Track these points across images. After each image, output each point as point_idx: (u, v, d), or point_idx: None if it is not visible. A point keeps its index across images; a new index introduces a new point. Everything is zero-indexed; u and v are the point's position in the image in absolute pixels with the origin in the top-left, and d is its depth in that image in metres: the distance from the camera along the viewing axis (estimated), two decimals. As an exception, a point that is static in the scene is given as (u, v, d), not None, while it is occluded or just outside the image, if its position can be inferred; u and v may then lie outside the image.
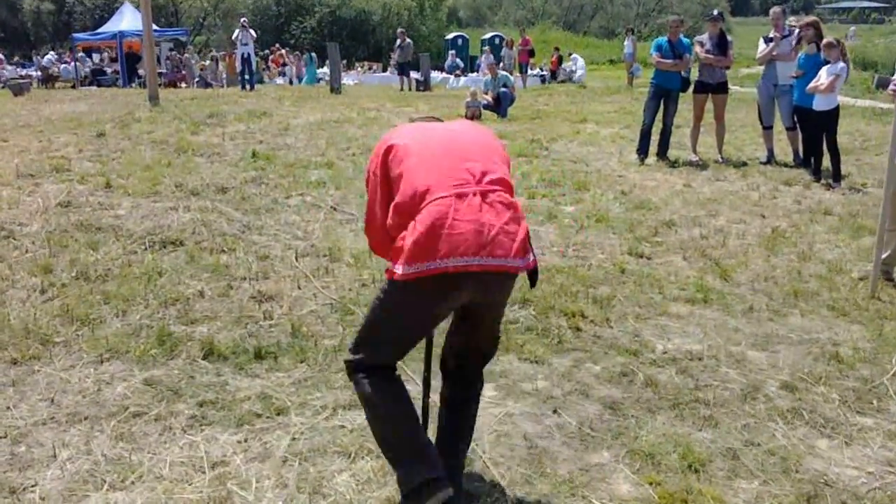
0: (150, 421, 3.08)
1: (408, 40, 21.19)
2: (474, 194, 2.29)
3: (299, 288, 4.52)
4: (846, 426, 3.18)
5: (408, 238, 2.24)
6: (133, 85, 22.01)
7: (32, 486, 2.66)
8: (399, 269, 2.24)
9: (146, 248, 5.07)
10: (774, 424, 3.17)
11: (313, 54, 25.07)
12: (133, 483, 2.68)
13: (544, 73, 25.36)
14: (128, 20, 23.93)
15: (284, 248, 5.21)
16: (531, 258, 2.37)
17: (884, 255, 4.84)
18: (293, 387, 3.38)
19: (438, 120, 2.73)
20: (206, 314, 4.10)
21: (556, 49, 27.01)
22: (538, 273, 2.52)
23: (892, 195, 4.80)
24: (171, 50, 26.26)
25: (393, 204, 2.33)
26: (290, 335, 3.88)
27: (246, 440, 2.95)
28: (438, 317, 2.45)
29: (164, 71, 22.66)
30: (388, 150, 2.39)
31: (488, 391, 3.37)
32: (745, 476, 2.81)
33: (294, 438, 2.96)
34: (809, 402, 3.36)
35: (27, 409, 3.16)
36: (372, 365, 2.43)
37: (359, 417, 3.10)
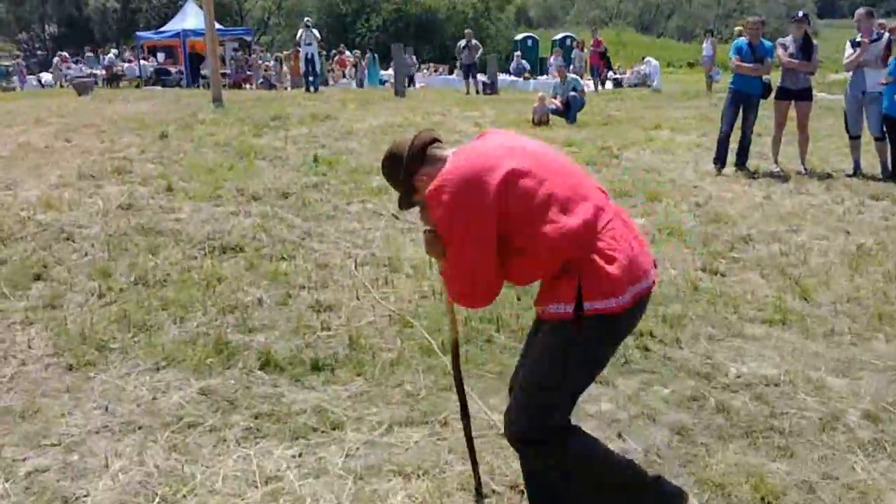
0: (205, 432, 3.08)
1: (474, 41, 21.00)
2: (616, 213, 2.23)
3: (358, 298, 4.48)
4: None
5: (604, 266, 2.07)
6: (197, 85, 22.38)
7: (84, 496, 2.67)
8: (613, 302, 2.07)
9: (206, 254, 5.11)
10: (854, 457, 3.02)
11: (375, 55, 25.11)
12: (185, 496, 2.67)
13: (618, 76, 24.63)
14: (191, 19, 24.31)
15: (344, 256, 5.19)
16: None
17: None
18: (349, 401, 3.34)
19: (438, 139, 2.38)
20: (263, 323, 4.10)
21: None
22: None
23: None
24: (234, 50, 26.64)
25: (560, 235, 2.05)
26: (348, 347, 3.85)
27: (301, 455, 2.93)
28: None
29: (228, 71, 22.98)
30: (511, 176, 2.07)
31: None
32: None
33: (349, 455, 2.93)
34: (892, 434, 3.19)
35: (81, 417, 3.19)
36: (565, 426, 2.27)
37: (415, 434, 3.07)
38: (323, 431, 3.09)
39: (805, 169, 8.43)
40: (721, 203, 6.95)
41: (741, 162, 8.43)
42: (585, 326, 2.08)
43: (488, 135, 2.36)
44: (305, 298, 4.43)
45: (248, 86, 22.98)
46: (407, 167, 2.27)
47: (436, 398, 3.36)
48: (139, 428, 3.08)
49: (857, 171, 8.29)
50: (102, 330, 3.94)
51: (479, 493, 2.69)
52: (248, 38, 30.48)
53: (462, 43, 20.89)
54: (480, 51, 21.17)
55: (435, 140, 2.34)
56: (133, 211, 5.93)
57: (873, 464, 2.96)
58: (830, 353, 3.97)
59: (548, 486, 2.38)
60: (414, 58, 26.31)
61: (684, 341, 4.04)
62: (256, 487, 2.71)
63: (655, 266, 2.27)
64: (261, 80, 22.94)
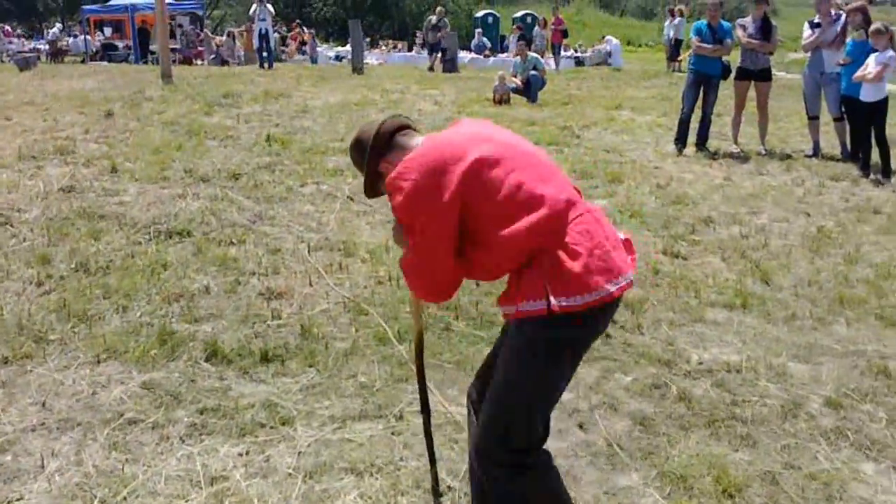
0: (147, 429, 2.94)
1: (445, 20, 20.58)
2: (589, 210, 2.05)
3: (311, 285, 4.32)
4: (894, 448, 3.03)
5: (569, 261, 1.91)
6: (146, 61, 21.50)
7: (17, 499, 2.54)
8: (579, 300, 1.89)
9: (151, 239, 4.88)
10: (817, 445, 3.02)
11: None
12: (125, 499, 2.55)
13: (579, 54, 24.56)
14: (141, -8, 23.48)
15: (297, 240, 5.01)
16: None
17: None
18: (300, 394, 3.21)
19: (410, 126, 2.24)
20: (210, 312, 3.92)
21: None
22: None
23: None
24: (189, 25, 25.85)
25: (526, 227, 1.93)
26: (300, 336, 3.71)
27: (247, 453, 2.81)
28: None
29: (178, 47, 22.22)
30: (477, 165, 1.96)
31: None
32: (784, 503, 2.66)
33: (299, 452, 2.81)
34: (854, 422, 3.20)
35: (17, 414, 3.01)
36: (532, 449, 2.05)
37: (369, 429, 2.98)
38: (272, 427, 2.96)
39: (765, 150, 8.50)
40: (682, 184, 6.95)
41: (702, 142, 8.46)
42: (552, 325, 1.93)
43: (460, 123, 2.23)
44: (255, 285, 4.25)
45: (199, 62, 22.26)
46: (371, 154, 2.14)
47: (391, 390, 3.26)
48: (78, 425, 2.93)
49: (816, 152, 8.38)
50: (40, 320, 3.74)
51: (436, 492, 2.59)
52: (200, 13, 29.62)
53: (433, 20, 20.49)
54: (448, 29, 20.82)
55: (404, 127, 2.20)
56: (75, 194, 5.66)
57: (835, 452, 2.97)
58: (791, 338, 3.97)
59: None
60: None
61: (645, 327, 4.00)
62: (201, 488, 2.59)
63: (634, 268, 2.10)
64: (212, 55, 22.27)
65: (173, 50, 18.64)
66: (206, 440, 2.86)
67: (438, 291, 2.12)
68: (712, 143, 8.56)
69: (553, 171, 2.09)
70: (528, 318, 1.93)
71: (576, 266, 1.91)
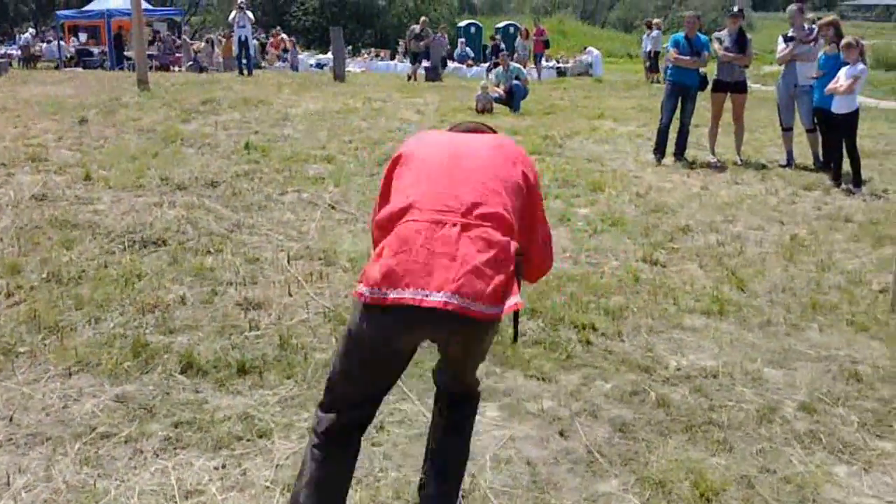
0: (120, 443, 2.87)
1: (428, 29, 20.59)
2: (454, 224, 2.02)
3: (290, 294, 4.28)
4: (865, 451, 3.07)
5: (373, 259, 2.04)
6: (122, 67, 21.24)
7: None
8: (363, 290, 1.99)
9: (125, 248, 4.82)
10: (791, 449, 3.06)
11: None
12: None
13: (561, 65, 24.69)
14: (117, -2, 23.16)
15: (276, 249, 4.98)
16: (511, 303, 1.99)
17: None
18: (278, 406, 3.17)
19: (487, 129, 2.49)
20: (186, 323, 3.86)
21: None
22: (518, 323, 2.42)
23: None
24: (166, 31, 25.58)
25: (375, 218, 2.25)
26: (278, 347, 3.65)
27: (224, 466, 2.75)
28: (398, 355, 2.14)
29: (155, 53, 22.06)
30: (399, 158, 2.30)
31: (491, 412, 3.22)
32: None
33: (277, 465, 2.76)
34: (827, 425, 3.25)
35: (-17, 429, 2.93)
36: (329, 418, 2.17)
37: None
38: (248, 440, 2.91)
39: (741, 160, 8.64)
40: (661, 193, 7.04)
41: (680, 152, 8.58)
42: (354, 308, 2.10)
43: (460, 134, 2.46)
44: (232, 296, 4.20)
45: (176, 68, 22.08)
46: None
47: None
48: (47, 439, 2.85)
49: (790, 162, 8.54)
50: (10, 332, 3.66)
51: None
52: (179, 19, 29.41)
53: (416, 29, 20.47)
54: (431, 39, 20.79)
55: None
56: (47, 202, 5.59)
57: (809, 456, 3.00)
58: (767, 343, 4.02)
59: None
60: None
61: (625, 334, 4.03)
62: (175, 503, 2.54)
63: (500, 300, 1.97)
64: (190, 62, 22.10)
65: (150, 56, 18.51)
66: (180, 454, 2.80)
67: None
68: (690, 153, 8.68)
69: (459, 181, 2.11)
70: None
71: (374, 262, 2.02)
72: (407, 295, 1.94)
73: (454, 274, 1.95)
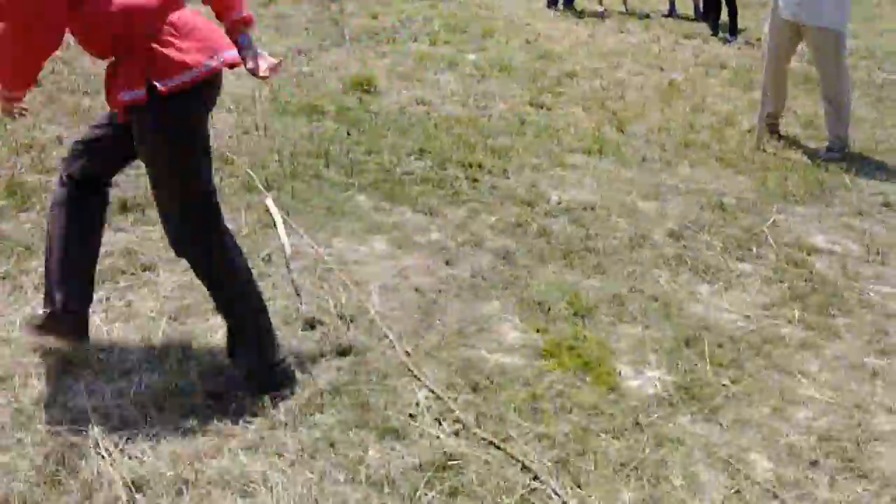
0: (-1, 280, 2.75)
1: None
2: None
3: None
4: (726, 272, 3.30)
5: (165, 49, 2.04)
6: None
7: None
8: (187, 76, 2.06)
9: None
10: (659, 271, 3.26)
11: None
12: None
13: None
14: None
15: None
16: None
17: (769, 110, 4.90)
18: (162, 241, 3.05)
19: None
20: (62, 163, 3.66)
21: None
22: None
23: (772, 49, 4.82)
24: None
25: (120, 8, 2.01)
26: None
27: (108, 299, 2.71)
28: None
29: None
30: None
31: (380, 244, 3.24)
32: (628, 321, 2.89)
33: (163, 297, 2.74)
34: (693, 250, 3.47)
35: None
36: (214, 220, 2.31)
37: None
38: (133, 274, 2.86)
39: (626, 10, 8.81)
40: (550, 41, 7.05)
41: (569, 2, 8.63)
42: (165, 108, 2.06)
43: None
44: (111, 136, 3.99)
45: None
46: None
47: (258, 236, 3.21)
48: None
49: (672, 12, 8.77)
50: None
51: (310, 325, 2.65)
52: None
53: None
54: None
55: None
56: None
57: (675, 277, 3.22)
58: (642, 179, 4.21)
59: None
60: None
61: (511, 171, 4.12)
62: (58, 335, 2.48)
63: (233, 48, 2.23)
64: None
65: None
66: (63, 289, 2.73)
67: (36, 33, 1.97)
68: (579, 3, 8.74)
69: None
70: (135, 107, 2.06)
71: (172, 51, 2.04)
72: (222, 58, 2.21)
73: (223, 38, 2.24)
